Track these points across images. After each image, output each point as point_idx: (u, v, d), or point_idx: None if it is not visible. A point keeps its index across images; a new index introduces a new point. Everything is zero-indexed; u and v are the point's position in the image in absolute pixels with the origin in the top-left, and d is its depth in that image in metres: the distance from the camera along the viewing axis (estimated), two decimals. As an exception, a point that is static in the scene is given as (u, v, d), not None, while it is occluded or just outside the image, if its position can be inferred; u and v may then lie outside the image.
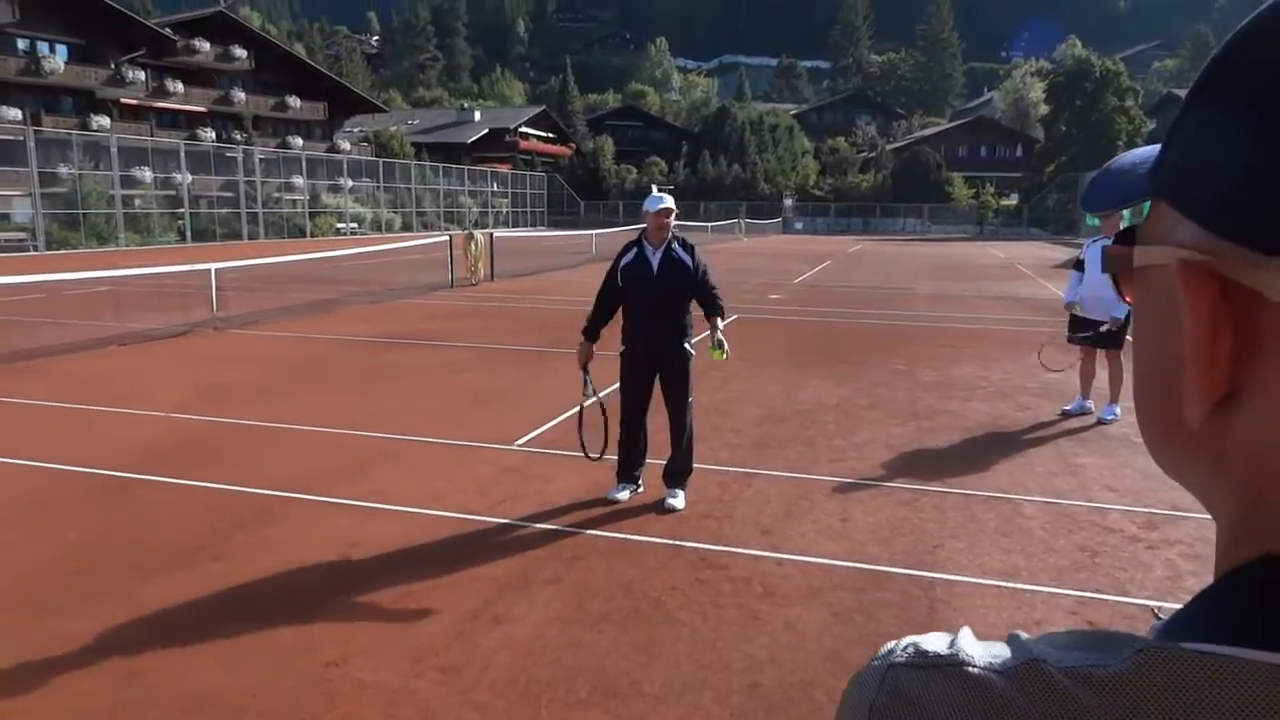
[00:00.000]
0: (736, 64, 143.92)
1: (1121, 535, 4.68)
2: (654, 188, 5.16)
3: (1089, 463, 6.01)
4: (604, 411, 5.14)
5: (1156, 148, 0.45)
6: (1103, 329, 7.00)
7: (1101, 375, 7.28)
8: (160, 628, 3.61)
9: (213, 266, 12.24)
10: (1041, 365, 7.49)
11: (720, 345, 4.98)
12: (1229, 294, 0.35)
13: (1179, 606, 0.41)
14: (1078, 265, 7.34)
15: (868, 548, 4.49)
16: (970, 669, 0.39)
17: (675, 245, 4.95)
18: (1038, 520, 4.91)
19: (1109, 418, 7.09)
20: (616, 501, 5.02)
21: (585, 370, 5.08)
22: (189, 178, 37.65)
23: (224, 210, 40.07)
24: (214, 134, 44.29)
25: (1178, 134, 0.39)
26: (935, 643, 0.42)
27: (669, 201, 4.95)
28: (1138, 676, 0.34)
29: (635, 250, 4.98)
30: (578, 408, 5.28)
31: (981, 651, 0.40)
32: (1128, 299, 0.45)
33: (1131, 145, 55.18)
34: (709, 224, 44.41)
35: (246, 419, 6.94)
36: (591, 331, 5.06)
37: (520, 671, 3.29)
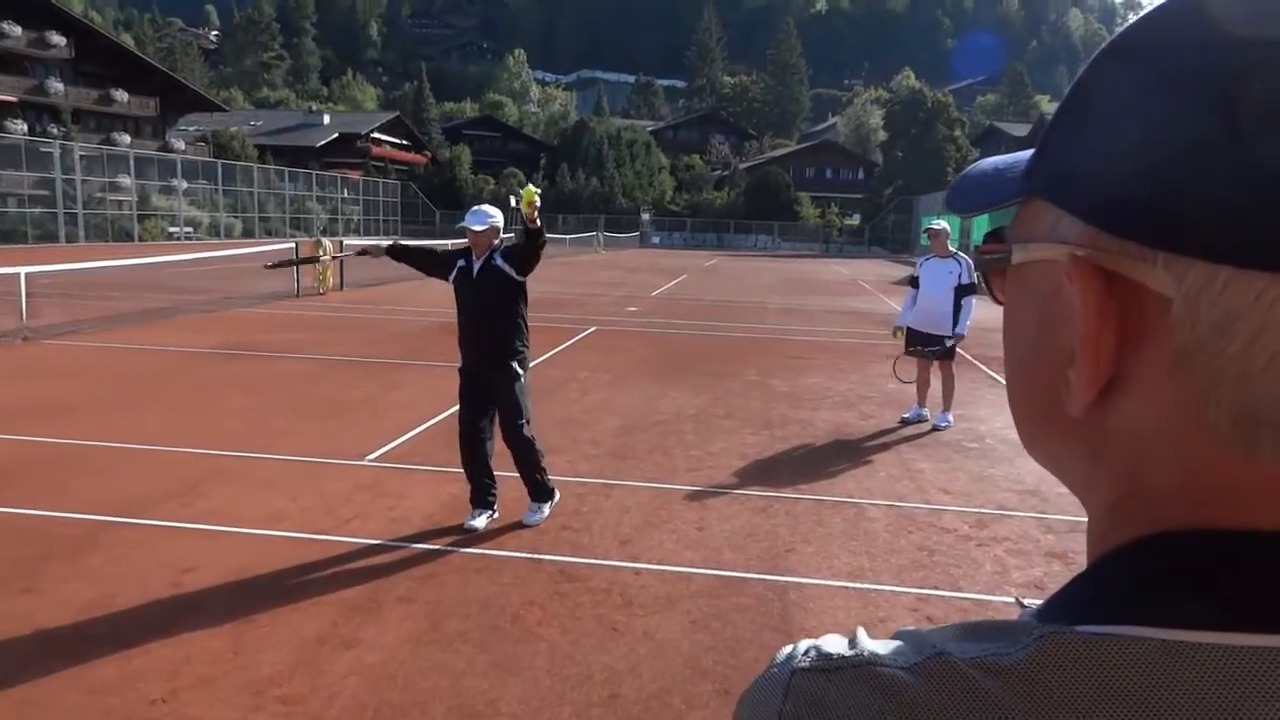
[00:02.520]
0: (595, 79, 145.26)
1: (955, 535, 4.99)
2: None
3: (926, 467, 6.39)
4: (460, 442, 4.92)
5: (1016, 155, 0.46)
6: (949, 343, 7.47)
7: (935, 385, 7.77)
8: (-47, 672, 3.22)
9: (22, 270, 11.12)
10: (895, 377, 7.76)
11: (528, 190, 4.60)
12: (1113, 287, 0.36)
13: (1038, 601, 0.42)
14: (913, 283, 7.81)
15: (723, 554, 4.58)
16: (877, 668, 0.38)
17: (497, 256, 4.81)
18: (881, 523, 5.17)
19: (943, 425, 7.58)
20: (475, 530, 4.77)
21: (361, 253, 5.51)
22: (-5, 173, 34.21)
23: (37, 210, 36.63)
24: (26, 126, 40.42)
25: (1056, 135, 0.40)
26: (835, 644, 0.41)
27: (478, 223, 4.75)
28: (1041, 661, 0.35)
29: (462, 261, 4.88)
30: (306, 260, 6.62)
31: (884, 649, 0.39)
32: (999, 297, 0.46)
33: (960, 172, 59.58)
34: (567, 236, 44.47)
35: (61, 437, 6.33)
36: (395, 247, 5.27)
37: (370, 697, 3.14)
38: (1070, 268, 0.37)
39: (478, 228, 4.76)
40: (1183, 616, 0.34)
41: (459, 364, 4.92)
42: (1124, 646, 0.34)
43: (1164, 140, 0.34)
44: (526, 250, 4.76)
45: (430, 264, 5.09)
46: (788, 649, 0.43)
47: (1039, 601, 0.42)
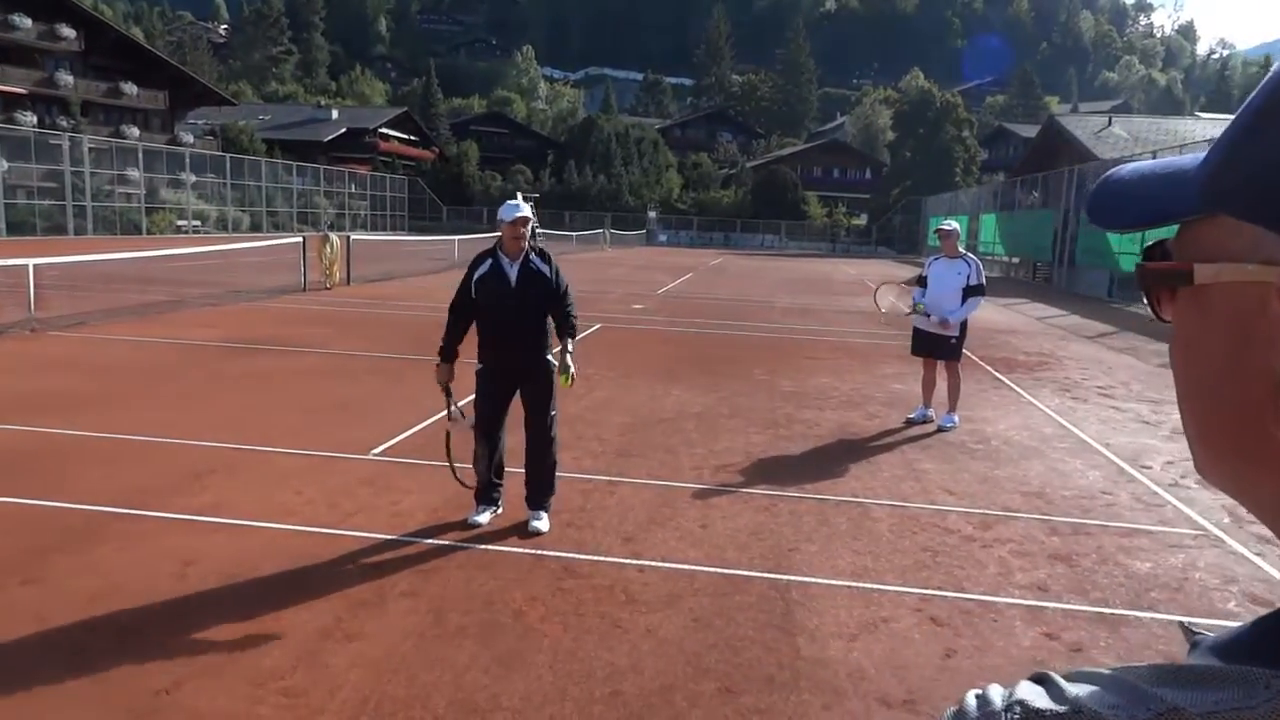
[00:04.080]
0: (603, 76, 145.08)
1: (959, 535, 4.98)
2: (518, 194, 4.97)
3: (930, 468, 6.37)
4: (476, 435, 4.87)
5: (1165, 164, 0.44)
6: (952, 341, 7.49)
7: (941, 385, 7.74)
8: (-43, 661, 3.23)
9: (30, 262, 11.17)
10: (875, 306, 8.09)
11: (568, 372, 4.80)
12: None
13: (1214, 623, 0.39)
14: (920, 282, 7.79)
15: (727, 553, 4.58)
16: None
17: (533, 256, 4.79)
18: (885, 523, 5.15)
19: (948, 425, 7.55)
20: (478, 525, 4.78)
21: (448, 392, 4.85)
22: (4, 165, 34.35)
23: (46, 202, 36.77)
24: (35, 119, 40.58)
25: (1250, 150, 0.37)
26: (1039, 697, 0.36)
27: (526, 210, 4.76)
28: None
29: (490, 261, 4.77)
30: (445, 434, 4.95)
31: (1098, 702, 0.35)
32: (1166, 316, 0.44)
33: (968, 173, 59.40)
34: (574, 233, 44.49)
35: (68, 429, 6.35)
36: (448, 351, 4.83)
37: (373, 691, 3.15)
38: None
39: (518, 214, 4.70)
40: None
41: (478, 366, 4.85)
42: None
43: None
44: (565, 326, 4.86)
45: (465, 315, 4.86)
46: (973, 700, 0.38)
47: (1208, 628, 0.40)
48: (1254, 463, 0.40)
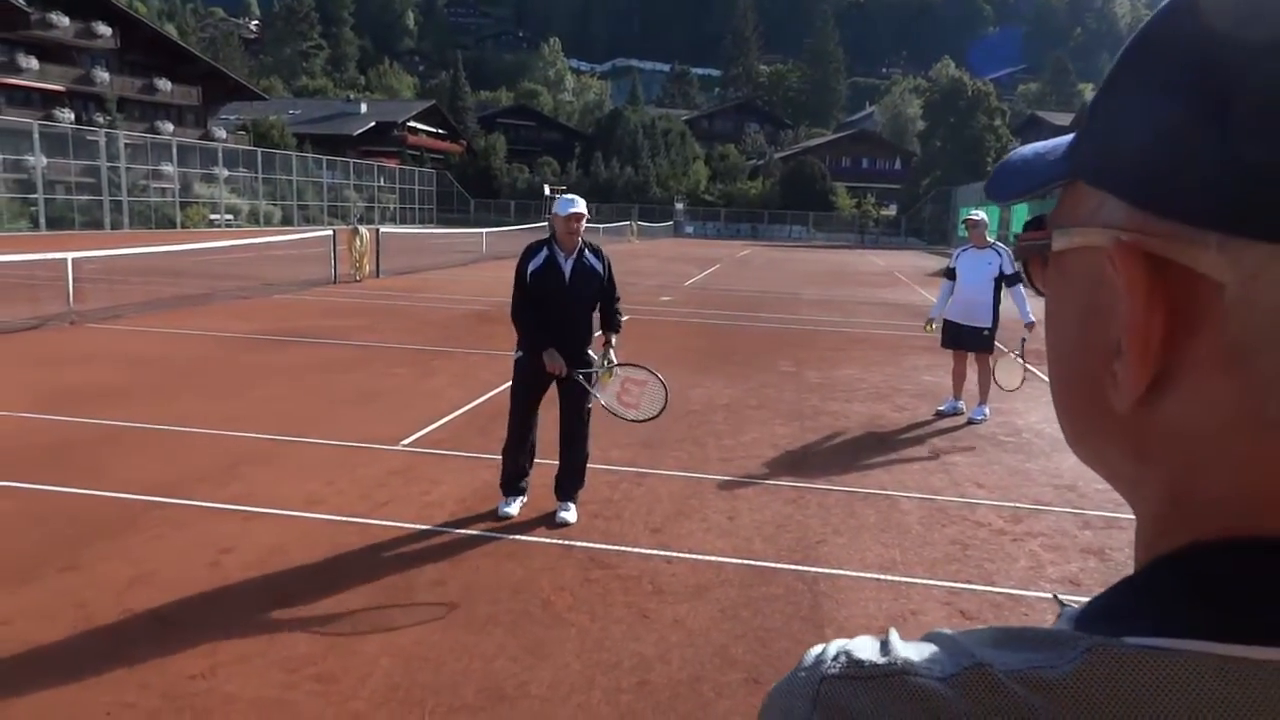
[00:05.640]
0: (630, 68, 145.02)
1: (989, 529, 4.93)
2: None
3: (960, 460, 6.31)
4: (510, 424, 4.89)
5: (1055, 140, 0.44)
6: (984, 333, 7.39)
7: (971, 377, 7.66)
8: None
9: (69, 256, 11.39)
10: (996, 384, 7.19)
11: (611, 367, 4.82)
12: (1162, 273, 0.34)
13: (1082, 597, 0.40)
14: (949, 274, 7.70)
15: (754, 544, 4.57)
16: (911, 678, 0.36)
17: (587, 253, 4.79)
18: (914, 515, 5.11)
19: (979, 418, 7.47)
20: (507, 516, 4.80)
21: (577, 377, 4.76)
22: (44, 161, 34.97)
23: (84, 197, 37.40)
24: (73, 115, 41.31)
25: (1100, 115, 0.38)
26: (868, 650, 0.38)
27: (581, 205, 4.74)
28: (1089, 675, 0.33)
29: (544, 254, 4.74)
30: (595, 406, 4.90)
31: (919, 657, 0.37)
32: (1040, 287, 0.44)
33: (999, 161, 58.55)
34: (601, 225, 44.49)
35: (106, 419, 6.48)
36: (537, 339, 4.69)
37: (402, 678, 3.18)
38: (1114, 253, 0.35)
39: (572, 209, 4.70)
40: (1239, 631, 0.32)
41: (517, 355, 4.85)
42: (1177, 662, 0.32)
43: (1210, 116, 0.32)
44: (612, 322, 4.94)
45: (526, 299, 4.78)
46: (816, 651, 0.40)
47: (1079, 601, 0.40)
48: (1105, 440, 0.40)
